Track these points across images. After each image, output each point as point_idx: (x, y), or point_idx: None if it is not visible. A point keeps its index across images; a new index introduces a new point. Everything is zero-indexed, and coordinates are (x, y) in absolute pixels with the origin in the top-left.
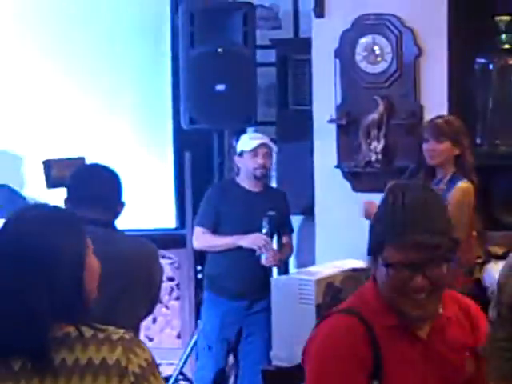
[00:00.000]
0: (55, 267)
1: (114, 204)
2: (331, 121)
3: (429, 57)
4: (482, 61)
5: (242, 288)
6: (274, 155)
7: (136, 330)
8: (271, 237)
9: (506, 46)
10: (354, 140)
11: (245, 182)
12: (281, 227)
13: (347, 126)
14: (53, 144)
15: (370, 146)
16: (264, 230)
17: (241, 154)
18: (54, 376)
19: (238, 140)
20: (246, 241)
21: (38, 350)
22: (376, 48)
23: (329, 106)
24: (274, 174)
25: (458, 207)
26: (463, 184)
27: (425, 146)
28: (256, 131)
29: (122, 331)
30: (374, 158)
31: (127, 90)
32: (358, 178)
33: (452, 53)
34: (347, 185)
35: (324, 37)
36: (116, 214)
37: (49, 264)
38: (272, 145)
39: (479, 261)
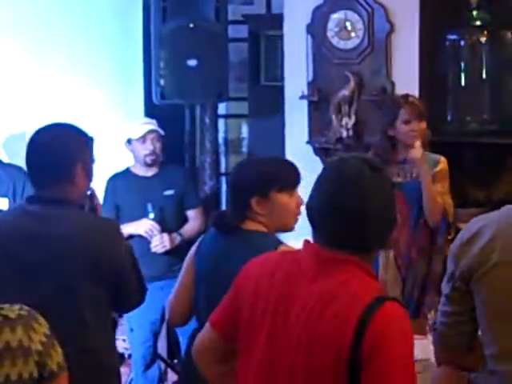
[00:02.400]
0: None
1: (66, 172)
2: (302, 97)
3: (400, 33)
4: (454, 37)
5: (155, 271)
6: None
7: (94, 310)
8: (163, 220)
9: (477, 23)
10: (325, 116)
11: (138, 168)
12: (183, 203)
13: (318, 102)
14: (25, 119)
15: (341, 122)
16: (151, 215)
17: (129, 141)
18: None
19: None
20: (133, 228)
21: None
22: (348, 24)
23: (300, 82)
24: (245, 149)
25: (446, 178)
26: (443, 158)
27: (407, 127)
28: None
29: (17, 307)
30: (344, 134)
31: (99, 65)
32: (329, 154)
33: (423, 29)
34: (318, 161)
35: (296, 12)
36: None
37: None
38: (159, 129)
39: (449, 237)
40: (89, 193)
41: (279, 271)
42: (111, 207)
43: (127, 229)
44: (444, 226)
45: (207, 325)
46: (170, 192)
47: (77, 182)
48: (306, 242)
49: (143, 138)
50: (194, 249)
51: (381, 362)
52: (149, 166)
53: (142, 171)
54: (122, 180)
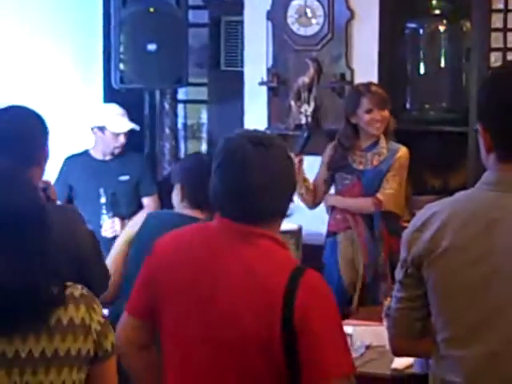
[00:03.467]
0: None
1: (31, 158)
2: (262, 83)
3: (360, 20)
4: (413, 25)
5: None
6: None
7: None
8: (116, 205)
9: (437, 12)
10: (285, 102)
11: (98, 152)
12: (139, 190)
13: (278, 89)
14: None
15: (300, 108)
16: (102, 200)
17: (101, 128)
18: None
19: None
20: None
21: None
22: (308, 10)
23: (260, 68)
24: (204, 135)
25: (404, 169)
26: (404, 148)
27: (368, 116)
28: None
29: (80, 287)
30: (303, 120)
31: (58, 49)
32: (288, 141)
33: (383, 17)
34: None
35: None
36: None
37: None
38: (136, 126)
39: (407, 225)
40: (42, 185)
41: (195, 244)
42: (64, 187)
43: None
44: (379, 215)
45: (125, 314)
46: (125, 178)
47: (43, 166)
48: (218, 217)
49: (118, 133)
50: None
51: (315, 327)
52: (113, 155)
53: (100, 156)
54: (79, 161)
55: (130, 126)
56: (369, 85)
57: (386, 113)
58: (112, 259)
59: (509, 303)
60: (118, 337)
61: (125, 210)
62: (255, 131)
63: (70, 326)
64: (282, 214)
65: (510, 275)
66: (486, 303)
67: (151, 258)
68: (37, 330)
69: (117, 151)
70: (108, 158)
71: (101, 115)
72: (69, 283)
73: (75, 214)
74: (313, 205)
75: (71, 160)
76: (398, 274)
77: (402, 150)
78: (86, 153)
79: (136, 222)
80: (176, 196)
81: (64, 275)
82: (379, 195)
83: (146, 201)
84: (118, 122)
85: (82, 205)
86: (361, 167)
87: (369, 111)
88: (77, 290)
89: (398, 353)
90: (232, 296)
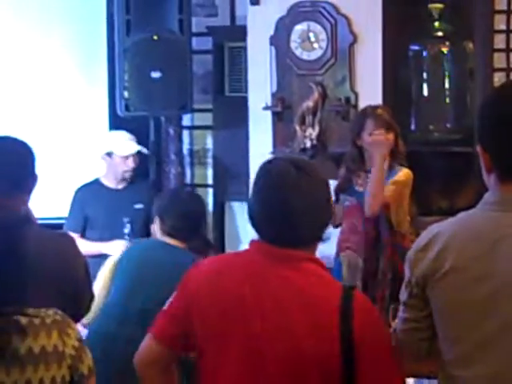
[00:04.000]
0: None
1: (23, 184)
2: (266, 108)
3: (363, 44)
4: (416, 48)
5: None
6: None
7: None
8: (134, 234)
9: (439, 34)
10: (289, 127)
11: (109, 181)
12: (149, 217)
13: (282, 113)
14: None
15: (305, 132)
16: (126, 230)
17: (110, 154)
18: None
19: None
20: (109, 248)
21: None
22: (311, 35)
23: (264, 93)
24: (210, 160)
25: (403, 186)
26: (405, 169)
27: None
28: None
29: (52, 312)
30: (308, 144)
31: (64, 77)
32: None
33: (386, 40)
34: None
35: (259, 24)
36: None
37: None
38: (143, 148)
39: (411, 245)
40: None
41: (232, 272)
42: (79, 218)
43: (100, 247)
44: (385, 224)
45: (152, 339)
46: (139, 206)
47: (31, 192)
48: (254, 241)
49: (127, 156)
50: None
51: (375, 348)
52: (125, 180)
53: (112, 184)
54: (92, 191)
55: (137, 147)
56: (375, 107)
57: (391, 136)
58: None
59: (507, 327)
60: (140, 360)
61: (139, 237)
62: (295, 156)
63: (42, 354)
64: (320, 238)
65: (508, 298)
66: (488, 324)
67: (184, 289)
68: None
69: (127, 175)
70: (120, 186)
71: (108, 141)
72: (42, 310)
73: (70, 241)
74: (335, 225)
75: (83, 190)
76: (403, 295)
77: (403, 170)
78: (97, 182)
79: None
80: (155, 227)
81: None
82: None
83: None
84: (125, 145)
85: (101, 234)
86: (361, 189)
87: (372, 134)
88: (48, 317)
89: (405, 373)
90: (281, 315)
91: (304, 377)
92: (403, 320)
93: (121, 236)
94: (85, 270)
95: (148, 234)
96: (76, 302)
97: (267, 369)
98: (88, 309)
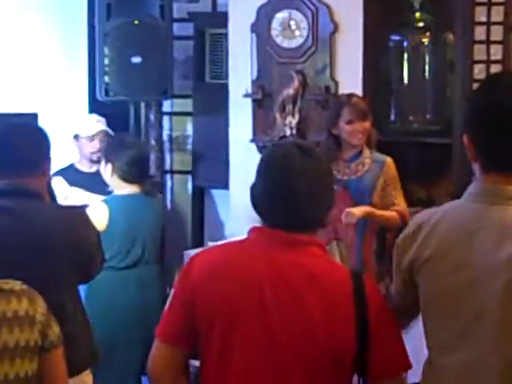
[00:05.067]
0: None
1: (39, 165)
2: (246, 95)
3: (344, 33)
4: (397, 38)
5: None
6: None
7: (71, 294)
8: None
9: (420, 24)
10: (269, 114)
11: (83, 164)
12: None
13: (262, 101)
14: None
15: (285, 120)
16: None
17: (76, 137)
18: None
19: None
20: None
21: None
22: (292, 23)
23: (245, 80)
24: (189, 147)
25: (397, 180)
26: (389, 158)
27: (349, 127)
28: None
29: (19, 282)
30: (288, 132)
31: (43, 61)
32: None
33: (367, 29)
34: None
35: (241, 11)
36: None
37: None
38: (109, 129)
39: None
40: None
41: (242, 259)
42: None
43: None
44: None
45: (158, 342)
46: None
47: (47, 174)
48: (256, 228)
49: (92, 137)
50: None
51: (388, 326)
52: (93, 162)
53: (86, 167)
54: (67, 176)
55: (100, 127)
56: (350, 96)
57: (367, 124)
58: None
59: (483, 315)
60: (152, 367)
61: None
62: (299, 140)
63: (15, 318)
64: (323, 223)
65: (486, 286)
66: (465, 313)
67: (185, 284)
68: None
69: (95, 156)
70: (94, 169)
71: (75, 125)
72: (9, 280)
73: (85, 217)
74: None
75: (59, 175)
76: (394, 282)
77: (389, 161)
78: (71, 167)
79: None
80: (107, 173)
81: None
82: (399, 209)
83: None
84: (90, 126)
85: None
86: (345, 177)
87: (349, 122)
88: (16, 285)
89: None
90: (296, 300)
91: (318, 361)
92: (395, 308)
93: None
94: (97, 239)
95: None
96: (89, 268)
97: (282, 354)
98: (100, 270)
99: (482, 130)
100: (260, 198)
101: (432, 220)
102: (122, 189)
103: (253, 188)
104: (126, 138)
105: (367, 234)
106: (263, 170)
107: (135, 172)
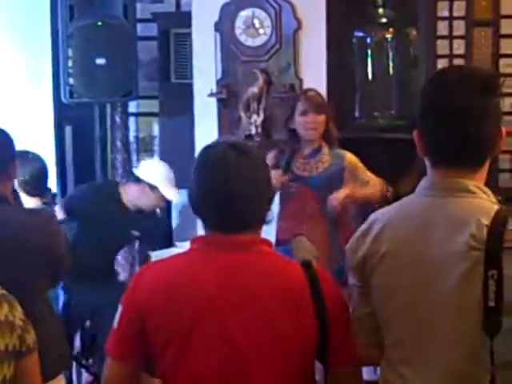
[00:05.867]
0: None
1: (4, 169)
2: (211, 95)
3: (308, 30)
4: (360, 34)
5: None
6: None
7: (42, 299)
8: None
9: (383, 20)
10: (234, 113)
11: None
12: None
13: (227, 100)
14: None
15: (250, 119)
16: None
17: (153, 187)
18: None
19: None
20: None
21: None
22: (255, 21)
23: (209, 79)
24: (156, 148)
25: (361, 164)
26: (348, 152)
27: (303, 119)
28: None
29: None
30: (253, 131)
31: (7, 64)
32: None
33: (330, 26)
34: None
35: (204, 10)
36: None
37: None
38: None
39: None
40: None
41: (190, 274)
42: None
43: None
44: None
45: (109, 357)
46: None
47: (12, 177)
48: (197, 238)
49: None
50: None
51: (343, 316)
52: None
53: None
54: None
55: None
56: (306, 90)
57: (321, 117)
58: None
59: (433, 316)
60: (106, 380)
61: None
62: (233, 139)
63: None
64: (264, 220)
65: (436, 282)
66: (417, 312)
67: (132, 302)
68: None
69: (148, 210)
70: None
71: (155, 175)
72: None
73: (53, 220)
74: None
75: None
76: (350, 282)
77: (348, 154)
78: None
79: None
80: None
81: None
82: (374, 182)
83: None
84: (172, 190)
85: None
86: (305, 174)
87: (303, 113)
88: None
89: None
90: (249, 301)
91: (282, 359)
92: (355, 307)
93: None
94: (66, 242)
95: None
96: (59, 272)
97: (243, 358)
98: (65, 273)
99: (427, 126)
100: (197, 201)
101: (385, 216)
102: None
103: (190, 192)
104: (26, 154)
105: (340, 225)
106: (198, 172)
107: (36, 185)
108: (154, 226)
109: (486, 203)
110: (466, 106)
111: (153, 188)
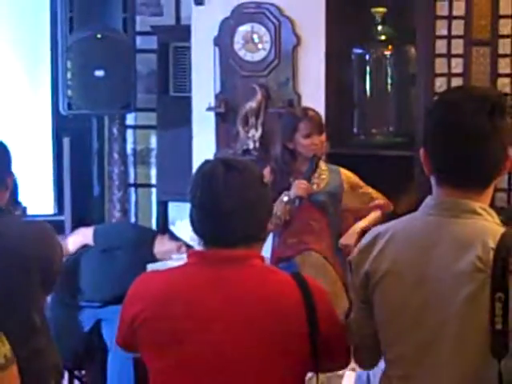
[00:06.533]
0: None
1: (2, 180)
2: (210, 109)
3: (307, 46)
4: (359, 51)
5: None
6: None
7: (39, 308)
8: None
9: (382, 38)
10: (233, 128)
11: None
12: None
13: (226, 114)
14: None
15: (248, 133)
16: None
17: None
18: None
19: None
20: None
21: None
22: (255, 36)
23: (208, 93)
24: (153, 160)
25: (358, 179)
26: (342, 168)
27: (307, 141)
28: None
29: None
30: (251, 145)
31: (6, 75)
32: None
33: (329, 42)
34: None
35: (204, 24)
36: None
37: None
38: None
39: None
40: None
41: (185, 289)
42: None
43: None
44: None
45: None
46: None
47: (10, 188)
48: (194, 252)
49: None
50: None
51: (337, 329)
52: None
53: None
54: None
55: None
56: (305, 110)
57: (323, 137)
58: None
59: (437, 336)
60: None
61: None
62: (228, 156)
63: None
64: (260, 238)
65: (440, 303)
66: (421, 332)
67: (130, 307)
68: None
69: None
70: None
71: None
72: None
73: (50, 232)
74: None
75: None
76: (352, 298)
77: (342, 169)
78: None
79: None
80: None
81: None
82: (377, 200)
83: None
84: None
85: None
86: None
87: (307, 136)
88: None
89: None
90: (244, 317)
91: (272, 370)
92: (353, 323)
93: None
94: (61, 252)
95: None
96: (53, 282)
97: (233, 369)
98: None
99: (435, 145)
100: (192, 218)
101: (388, 233)
102: None
103: (190, 210)
104: None
105: None
106: (191, 189)
107: None
108: None
109: (492, 225)
110: (475, 128)
111: (188, 247)
